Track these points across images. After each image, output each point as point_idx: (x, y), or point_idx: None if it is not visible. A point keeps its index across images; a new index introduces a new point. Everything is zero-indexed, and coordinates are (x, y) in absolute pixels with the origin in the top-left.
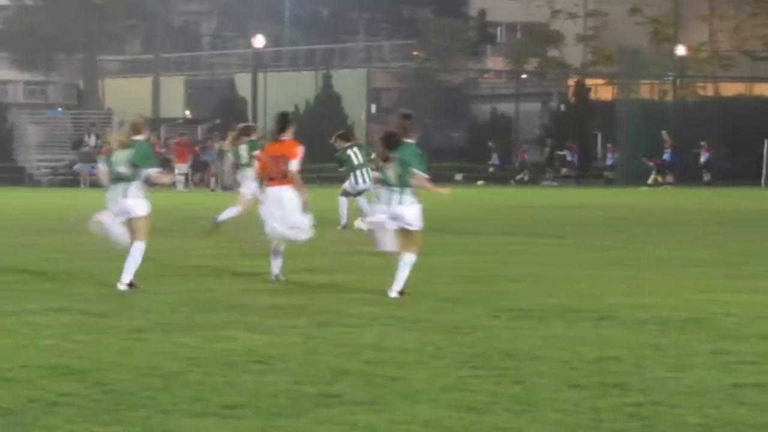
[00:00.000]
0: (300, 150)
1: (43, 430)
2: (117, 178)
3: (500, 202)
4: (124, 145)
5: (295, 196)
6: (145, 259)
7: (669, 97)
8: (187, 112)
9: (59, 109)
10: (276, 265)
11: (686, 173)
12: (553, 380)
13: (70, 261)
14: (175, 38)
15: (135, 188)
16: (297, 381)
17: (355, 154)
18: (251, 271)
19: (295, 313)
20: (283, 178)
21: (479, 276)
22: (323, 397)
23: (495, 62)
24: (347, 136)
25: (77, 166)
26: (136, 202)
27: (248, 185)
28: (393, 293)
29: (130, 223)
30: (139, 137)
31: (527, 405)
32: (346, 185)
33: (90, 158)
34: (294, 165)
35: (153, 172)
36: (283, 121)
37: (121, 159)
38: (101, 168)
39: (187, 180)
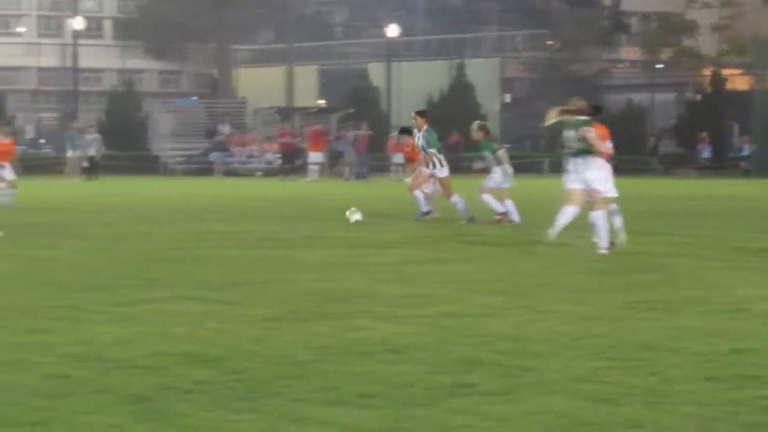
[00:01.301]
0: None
1: (177, 417)
2: (574, 153)
3: (629, 193)
4: (574, 125)
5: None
6: (275, 247)
7: None
8: (321, 102)
9: (194, 98)
10: (618, 229)
11: None
12: (689, 372)
13: (202, 249)
14: (307, 28)
15: (593, 161)
16: (430, 371)
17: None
18: (380, 261)
19: (426, 303)
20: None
21: (610, 267)
22: (457, 387)
23: (628, 52)
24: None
25: (212, 155)
26: (597, 175)
27: (494, 179)
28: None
29: (590, 194)
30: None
31: (662, 396)
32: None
33: (224, 147)
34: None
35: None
36: (597, 108)
37: (572, 137)
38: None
39: (322, 169)
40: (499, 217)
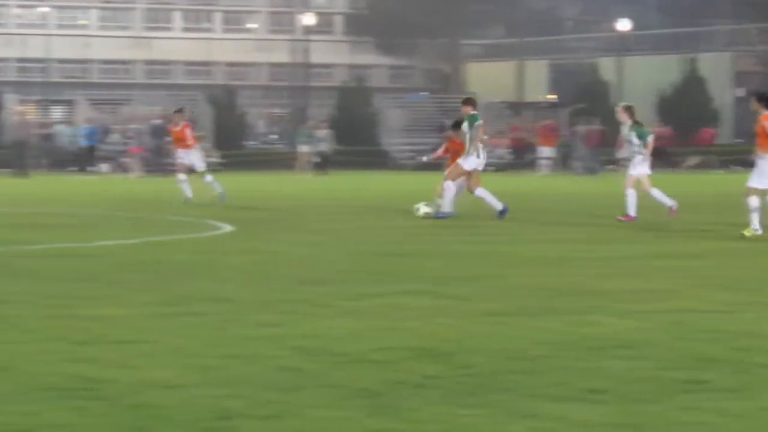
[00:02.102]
0: None
1: (407, 411)
2: None
3: None
4: None
5: None
6: (501, 242)
7: None
8: (551, 96)
9: (424, 93)
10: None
11: None
12: None
13: (431, 244)
14: (537, 22)
15: None
16: (662, 366)
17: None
18: (604, 256)
19: (657, 299)
20: None
21: None
22: (690, 384)
23: None
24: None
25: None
26: None
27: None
28: None
29: None
30: None
31: None
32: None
33: None
34: None
35: None
36: None
37: None
38: None
39: (554, 164)
40: (672, 207)
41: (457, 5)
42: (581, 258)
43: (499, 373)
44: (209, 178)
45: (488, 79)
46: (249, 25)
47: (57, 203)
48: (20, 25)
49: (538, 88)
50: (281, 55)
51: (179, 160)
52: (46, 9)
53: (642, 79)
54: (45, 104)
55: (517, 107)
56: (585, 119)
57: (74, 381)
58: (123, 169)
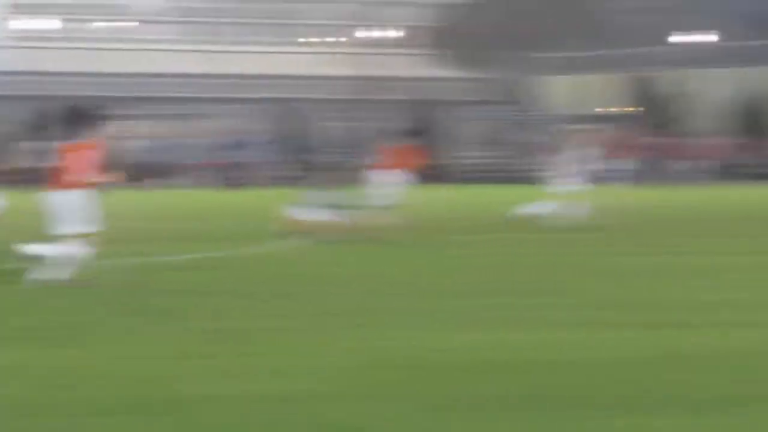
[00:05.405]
0: None
1: None
2: None
3: None
4: None
5: None
6: None
7: None
8: (630, 109)
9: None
10: None
11: None
12: None
13: None
14: (616, 34)
15: None
16: None
17: None
18: None
19: None
20: None
21: None
22: None
23: None
24: None
25: None
26: None
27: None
28: None
29: None
30: None
31: None
32: None
33: None
34: None
35: None
36: None
37: None
38: None
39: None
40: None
41: (531, 19)
42: None
43: None
44: None
45: (566, 92)
46: None
47: None
48: None
49: (617, 101)
50: None
51: None
52: None
53: (726, 91)
54: None
55: (592, 119)
56: (659, 131)
57: None
58: None
